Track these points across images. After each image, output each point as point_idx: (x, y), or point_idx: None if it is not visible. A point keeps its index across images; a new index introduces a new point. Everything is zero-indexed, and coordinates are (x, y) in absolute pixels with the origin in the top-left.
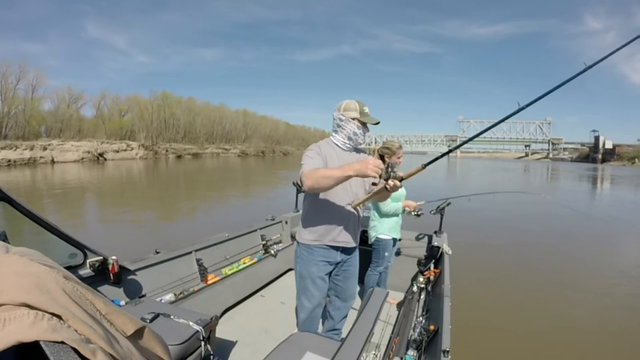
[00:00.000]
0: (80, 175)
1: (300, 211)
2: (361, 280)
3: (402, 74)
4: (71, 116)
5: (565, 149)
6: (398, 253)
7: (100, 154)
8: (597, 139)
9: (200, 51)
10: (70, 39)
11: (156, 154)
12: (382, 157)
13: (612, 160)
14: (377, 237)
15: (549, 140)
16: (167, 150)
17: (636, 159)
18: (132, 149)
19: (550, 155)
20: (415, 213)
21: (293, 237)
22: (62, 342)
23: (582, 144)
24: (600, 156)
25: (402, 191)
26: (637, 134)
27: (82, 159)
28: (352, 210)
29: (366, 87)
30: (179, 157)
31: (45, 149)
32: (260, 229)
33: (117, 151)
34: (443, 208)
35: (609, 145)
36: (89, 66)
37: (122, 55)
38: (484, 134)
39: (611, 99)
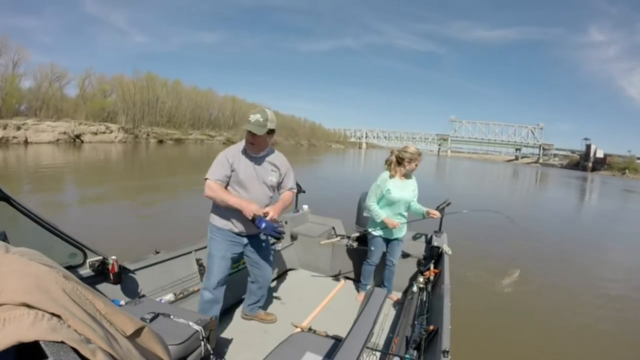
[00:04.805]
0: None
1: (300, 211)
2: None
3: (401, 70)
4: (53, 95)
5: (555, 155)
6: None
7: (77, 136)
8: (588, 147)
9: (200, 34)
10: (66, 15)
11: (136, 138)
12: (400, 160)
13: (602, 170)
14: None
15: (540, 146)
16: (148, 134)
17: (626, 170)
18: (112, 131)
19: (540, 161)
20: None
21: (293, 237)
22: (62, 342)
23: (573, 152)
24: (590, 165)
25: (400, 194)
26: (627, 146)
27: (58, 140)
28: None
29: (363, 81)
30: (161, 142)
31: (19, 128)
32: None
33: (96, 133)
34: (443, 208)
35: (599, 155)
36: (84, 44)
37: (120, 34)
38: (475, 135)
39: (605, 110)
